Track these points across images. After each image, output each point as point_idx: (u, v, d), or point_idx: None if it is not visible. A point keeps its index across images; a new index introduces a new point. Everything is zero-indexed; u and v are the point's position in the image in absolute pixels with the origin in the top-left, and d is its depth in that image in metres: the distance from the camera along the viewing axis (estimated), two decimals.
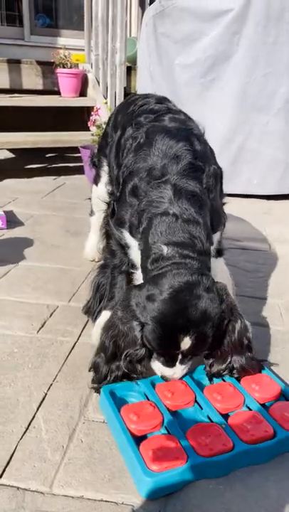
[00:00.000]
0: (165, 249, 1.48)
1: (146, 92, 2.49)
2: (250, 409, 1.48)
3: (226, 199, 2.06)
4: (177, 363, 1.49)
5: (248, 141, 4.07)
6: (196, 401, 1.50)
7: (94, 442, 1.40)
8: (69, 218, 3.47)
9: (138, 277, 1.75)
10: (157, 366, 1.54)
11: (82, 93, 5.14)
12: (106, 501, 1.22)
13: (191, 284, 1.41)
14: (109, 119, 2.45)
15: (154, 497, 1.21)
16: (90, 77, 5.07)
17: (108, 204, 1.88)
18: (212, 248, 1.75)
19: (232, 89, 3.97)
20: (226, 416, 1.44)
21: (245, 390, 1.54)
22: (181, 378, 1.57)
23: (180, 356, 1.47)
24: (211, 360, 1.59)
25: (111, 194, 1.88)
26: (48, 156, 5.57)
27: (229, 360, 1.57)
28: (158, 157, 1.65)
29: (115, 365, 1.53)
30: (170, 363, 1.50)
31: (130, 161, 1.72)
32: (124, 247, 1.78)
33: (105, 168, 2.36)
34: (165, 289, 1.40)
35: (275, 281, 2.60)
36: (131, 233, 1.71)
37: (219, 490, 1.26)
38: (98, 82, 4.97)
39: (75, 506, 1.19)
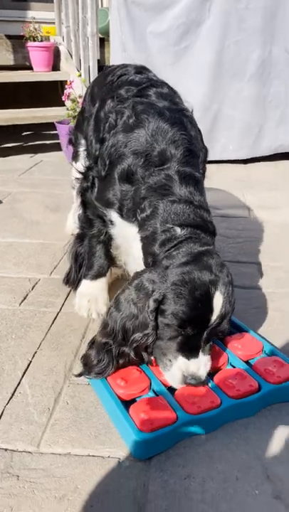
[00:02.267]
0: (178, 230, 1.44)
1: (118, 63, 2.44)
2: (234, 367, 1.52)
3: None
4: (200, 353, 1.34)
5: (223, 108, 4.07)
6: None
7: (79, 403, 1.44)
8: (48, 194, 3.44)
9: (131, 264, 1.73)
10: (180, 364, 1.34)
11: (55, 67, 5.02)
12: (93, 456, 1.26)
13: (211, 251, 1.39)
14: (85, 94, 2.40)
15: (149, 456, 1.24)
16: (62, 49, 4.95)
17: (84, 175, 1.84)
18: None
19: (205, 57, 3.94)
20: (212, 375, 1.47)
21: (228, 349, 1.58)
22: (204, 384, 1.37)
23: (205, 335, 1.32)
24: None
25: (88, 168, 1.83)
26: (24, 134, 5.48)
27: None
28: (153, 142, 1.59)
29: (121, 352, 1.40)
30: (194, 350, 1.33)
31: (120, 142, 1.65)
32: (103, 219, 1.76)
33: (83, 145, 2.32)
34: (184, 255, 1.35)
35: (254, 246, 2.64)
36: (120, 215, 1.65)
37: (201, 439, 1.31)
38: (71, 55, 4.86)
39: (62, 462, 1.23)
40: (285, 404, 1.44)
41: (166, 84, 1.92)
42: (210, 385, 1.41)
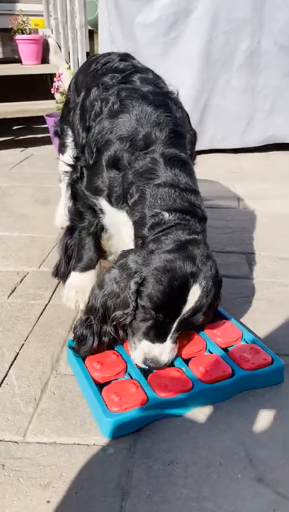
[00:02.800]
0: (166, 215, 1.44)
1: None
2: (211, 353, 1.54)
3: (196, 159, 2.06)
4: (168, 338, 1.37)
5: (212, 98, 4.07)
6: None
7: (66, 393, 1.45)
8: (38, 188, 3.44)
9: (116, 242, 1.74)
10: (143, 346, 1.39)
11: (44, 60, 4.99)
12: (78, 444, 1.27)
13: (197, 241, 1.39)
14: (70, 84, 2.39)
15: (116, 436, 1.27)
16: (51, 42, 4.92)
17: (73, 167, 1.84)
18: None
19: (194, 47, 3.93)
20: (188, 360, 1.50)
21: (207, 336, 1.59)
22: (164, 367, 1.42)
23: (175, 324, 1.35)
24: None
25: (76, 158, 1.83)
26: (15, 128, 5.45)
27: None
28: (138, 126, 1.59)
29: (103, 330, 1.43)
30: (161, 335, 1.37)
31: (106, 128, 1.65)
32: (94, 210, 1.76)
33: (70, 136, 2.32)
34: (171, 242, 1.36)
35: (243, 236, 2.65)
36: (109, 202, 1.66)
37: (186, 426, 1.33)
38: (60, 48, 4.83)
39: (48, 451, 1.25)
40: (268, 389, 1.46)
41: (151, 70, 1.92)
42: (184, 369, 1.43)
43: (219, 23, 3.85)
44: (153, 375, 1.41)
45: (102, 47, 4.11)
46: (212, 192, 3.37)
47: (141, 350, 1.39)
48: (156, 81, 1.82)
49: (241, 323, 1.76)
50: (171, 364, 1.46)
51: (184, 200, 1.47)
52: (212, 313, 1.51)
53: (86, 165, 1.73)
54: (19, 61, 4.94)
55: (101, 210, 1.71)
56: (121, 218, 1.61)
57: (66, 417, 1.36)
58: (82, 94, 1.94)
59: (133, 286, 1.35)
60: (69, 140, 2.34)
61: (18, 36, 4.76)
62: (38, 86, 5.18)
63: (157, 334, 1.37)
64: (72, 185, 1.84)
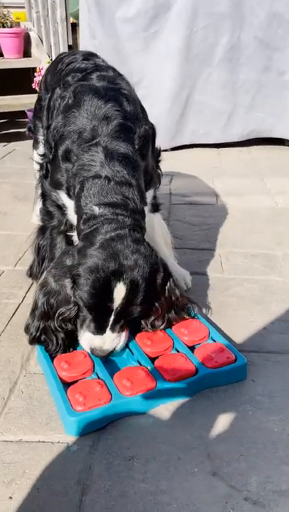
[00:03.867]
0: (96, 210, 1.49)
1: (87, 50, 2.44)
2: (178, 351, 1.58)
3: (165, 155, 2.08)
4: (108, 330, 1.45)
5: (193, 94, 4.10)
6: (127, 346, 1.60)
7: (34, 392, 1.49)
8: (18, 184, 3.44)
9: (75, 239, 1.79)
10: (86, 337, 1.49)
11: (26, 53, 4.96)
12: (43, 442, 1.31)
13: (123, 236, 1.42)
14: (40, 82, 2.41)
15: (80, 434, 1.32)
16: (33, 35, 4.89)
17: (41, 165, 1.88)
18: (148, 204, 1.79)
19: (175, 42, 3.94)
20: (154, 359, 1.54)
21: (174, 334, 1.64)
22: (109, 354, 1.50)
23: (112, 317, 1.43)
24: (150, 319, 1.61)
25: (43, 156, 1.87)
26: None
27: (165, 316, 1.62)
28: (87, 119, 1.63)
29: (52, 327, 1.50)
30: (101, 328, 1.45)
31: (60, 123, 1.70)
32: (61, 208, 1.80)
33: (42, 133, 2.34)
34: (96, 240, 1.41)
35: (218, 233, 2.69)
36: (68, 195, 1.71)
37: (149, 422, 1.38)
38: (42, 41, 4.80)
39: (13, 449, 1.29)
40: (231, 386, 1.51)
41: (113, 68, 1.95)
42: (149, 368, 1.48)
43: (199, 18, 3.86)
44: (118, 375, 1.45)
45: (83, 42, 4.10)
46: (191, 188, 3.40)
47: (85, 340, 1.50)
48: (114, 77, 1.84)
49: (209, 321, 1.81)
50: (139, 363, 1.52)
51: (117, 193, 1.50)
52: (153, 302, 1.54)
53: (48, 161, 1.77)
54: (0, 55, 4.90)
55: (63, 204, 1.75)
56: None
57: (33, 416, 1.40)
58: (49, 95, 1.98)
59: (68, 285, 1.44)
60: (41, 137, 2.37)
61: None
62: (21, 80, 5.15)
63: (96, 327, 1.46)
64: (41, 183, 1.89)
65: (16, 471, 1.22)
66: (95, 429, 1.33)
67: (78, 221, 1.57)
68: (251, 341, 1.74)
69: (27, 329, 1.58)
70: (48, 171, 1.83)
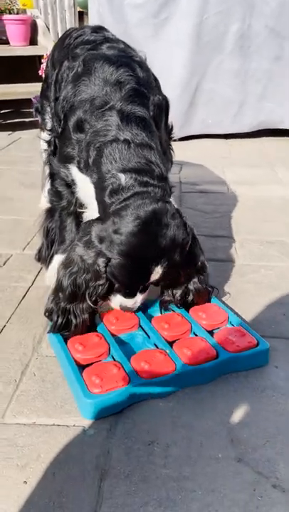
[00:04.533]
0: (123, 178, 1.40)
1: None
2: (196, 336, 1.52)
3: (174, 145, 2.00)
4: (138, 294, 1.46)
5: (203, 82, 4.02)
6: (143, 330, 1.54)
7: (47, 375, 1.43)
8: (24, 171, 3.38)
9: (90, 215, 1.70)
10: (117, 299, 1.49)
11: (33, 41, 4.88)
12: (58, 425, 1.25)
13: (158, 213, 1.35)
14: (47, 60, 2.33)
15: (97, 417, 1.25)
16: (40, 23, 4.81)
17: (49, 142, 1.80)
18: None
19: (185, 29, 3.86)
20: (173, 342, 1.48)
21: (192, 318, 1.57)
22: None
23: (142, 288, 1.44)
24: (169, 288, 1.58)
25: (50, 130, 1.79)
26: (2, 111, 5.34)
27: (185, 284, 1.58)
28: (98, 86, 1.56)
29: (79, 309, 1.46)
30: (132, 294, 1.46)
31: (69, 93, 1.62)
32: (70, 186, 1.73)
33: (49, 111, 2.27)
34: (132, 220, 1.33)
35: (231, 220, 2.63)
36: (79, 168, 1.62)
37: (168, 406, 1.31)
38: (48, 29, 4.73)
39: (26, 432, 1.22)
40: (252, 371, 1.45)
41: (123, 41, 1.87)
42: (168, 351, 1.42)
43: (210, 4, 3.79)
44: (136, 357, 1.38)
45: None
46: (201, 177, 3.33)
47: (116, 300, 1.50)
48: (125, 48, 1.77)
49: (227, 306, 1.75)
50: (156, 346, 1.46)
51: (139, 156, 1.43)
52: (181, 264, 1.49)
53: (57, 135, 1.70)
54: (7, 42, 4.83)
55: (73, 181, 1.67)
56: (90, 187, 1.57)
57: (46, 398, 1.33)
58: (56, 69, 1.90)
59: (102, 264, 1.38)
60: (48, 116, 2.29)
61: (5, 16, 4.64)
62: (27, 68, 5.07)
63: (128, 294, 1.46)
64: (49, 161, 1.81)
65: (30, 454, 1.16)
66: (113, 413, 1.27)
67: (101, 192, 1.48)
68: (271, 327, 1.67)
69: (50, 315, 1.50)
70: (57, 147, 1.75)
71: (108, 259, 1.37)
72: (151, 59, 4.18)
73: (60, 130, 1.68)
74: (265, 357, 1.47)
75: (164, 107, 1.74)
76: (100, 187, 1.48)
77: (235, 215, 2.69)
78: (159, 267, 1.36)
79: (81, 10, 4.96)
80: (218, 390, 1.38)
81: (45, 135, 2.14)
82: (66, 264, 1.47)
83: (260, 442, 1.21)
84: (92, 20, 4.18)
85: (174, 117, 4.01)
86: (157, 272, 1.37)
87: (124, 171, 1.41)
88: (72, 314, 1.47)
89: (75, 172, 1.66)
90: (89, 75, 1.60)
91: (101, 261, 1.38)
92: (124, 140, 1.44)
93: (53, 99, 1.85)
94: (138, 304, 1.50)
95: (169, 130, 1.90)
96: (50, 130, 1.81)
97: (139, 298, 1.48)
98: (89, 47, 1.73)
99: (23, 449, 1.17)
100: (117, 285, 1.46)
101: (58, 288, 1.48)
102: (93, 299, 1.45)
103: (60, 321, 1.46)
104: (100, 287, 1.43)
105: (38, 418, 1.27)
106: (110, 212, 1.41)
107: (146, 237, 1.34)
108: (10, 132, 4.53)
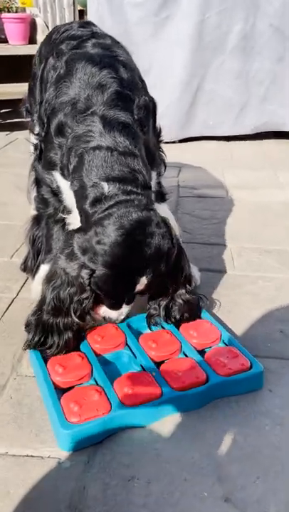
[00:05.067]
0: (106, 187, 1.34)
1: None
2: (186, 356, 1.42)
3: (173, 147, 1.91)
4: (124, 305, 1.40)
5: (204, 83, 3.91)
6: (130, 349, 1.44)
7: (24, 397, 1.33)
8: (20, 174, 3.26)
9: (73, 221, 1.62)
10: (102, 310, 1.43)
11: (32, 40, 4.79)
12: (31, 456, 1.16)
13: (142, 222, 1.30)
14: (34, 57, 2.24)
15: (75, 449, 1.16)
16: (39, 21, 4.72)
17: (35, 146, 1.71)
18: (153, 189, 1.64)
19: (186, 29, 3.75)
20: (160, 364, 1.39)
21: (182, 336, 1.47)
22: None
23: (127, 299, 1.39)
24: (157, 299, 1.52)
25: (37, 134, 1.71)
26: (1, 111, 5.27)
27: (171, 296, 1.51)
28: (80, 88, 1.48)
29: (62, 324, 1.38)
30: (118, 306, 1.40)
31: (51, 95, 1.55)
32: (56, 193, 1.65)
33: (36, 110, 2.17)
34: (115, 230, 1.27)
35: (229, 227, 2.53)
36: (63, 175, 1.54)
37: (152, 436, 1.22)
38: (48, 27, 4.63)
39: None
40: (243, 396, 1.35)
41: (110, 36, 1.78)
42: (154, 374, 1.32)
43: (212, 3, 3.68)
44: (119, 381, 1.29)
45: None
46: (200, 181, 3.23)
47: (101, 312, 1.43)
48: (111, 46, 1.68)
49: (220, 322, 1.65)
50: (142, 368, 1.38)
51: (122, 165, 1.36)
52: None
53: (41, 139, 1.62)
54: (5, 41, 4.74)
55: (58, 187, 1.59)
56: (72, 194, 1.49)
57: (21, 425, 1.24)
58: (42, 66, 1.81)
59: (85, 276, 1.30)
60: (36, 115, 2.20)
61: (4, 15, 4.55)
62: (26, 67, 4.98)
63: (114, 305, 1.40)
64: (34, 167, 1.73)
65: None
66: (92, 444, 1.17)
67: (82, 200, 1.41)
68: (268, 346, 1.57)
69: (28, 329, 1.43)
70: (42, 151, 1.67)
71: (92, 271, 1.30)
72: (151, 59, 4.11)
73: (43, 134, 1.61)
74: (259, 381, 1.37)
75: (150, 108, 1.65)
76: (81, 195, 1.40)
77: (233, 222, 2.59)
78: (144, 277, 1.31)
79: (81, 8, 4.87)
80: (207, 416, 1.28)
81: (33, 138, 2.05)
82: (49, 278, 1.40)
83: (250, 479, 1.11)
84: (91, 18, 4.09)
85: (173, 118, 3.96)
86: (143, 283, 1.32)
87: (107, 179, 1.34)
88: (55, 331, 1.39)
89: (59, 179, 1.58)
90: (70, 76, 1.52)
91: (85, 273, 1.31)
92: (106, 147, 1.37)
93: (38, 101, 1.76)
94: (123, 316, 1.44)
95: (157, 132, 1.81)
96: (37, 134, 1.72)
97: (125, 309, 1.42)
98: (74, 44, 1.64)
99: None
100: (102, 297, 1.39)
101: (42, 302, 1.41)
102: (78, 313, 1.37)
103: (37, 338, 1.39)
104: (85, 301, 1.35)
105: (11, 448, 1.18)
106: (92, 221, 1.33)
107: (130, 247, 1.28)
108: (8, 132, 4.45)
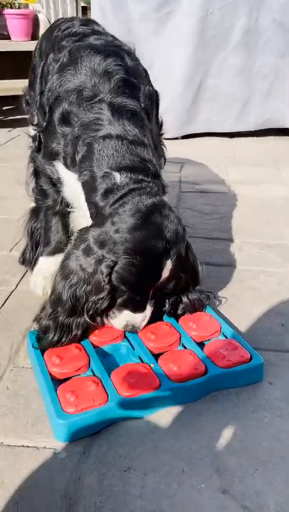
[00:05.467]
0: (118, 177, 1.32)
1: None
2: (185, 348, 1.40)
3: (176, 143, 1.89)
4: (148, 306, 1.36)
5: (207, 79, 3.89)
6: (128, 341, 1.42)
7: (20, 388, 1.32)
8: (20, 169, 3.23)
9: (80, 215, 1.57)
10: (124, 316, 1.37)
11: (35, 36, 4.78)
12: (27, 446, 1.14)
13: (158, 205, 1.29)
14: (35, 50, 2.22)
15: (71, 440, 1.14)
16: (42, 18, 4.70)
17: (34, 137, 1.70)
18: None
19: (189, 24, 3.73)
20: (159, 355, 1.36)
21: (182, 328, 1.46)
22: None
23: (151, 295, 1.34)
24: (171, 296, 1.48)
25: (36, 125, 1.69)
26: (4, 108, 5.26)
27: (181, 290, 1.47)
28: (86, 75, 1.46)
29: (75, 323, 1.34)
30: (142, 306, 1.35)
31: (55, 83, 1.52)
32: (56, 184, 1.63)
33: (36, 105, 2.16)
34: (132, 216, 1.25)
35: (231, 222, 2.50)
36: (66, 165, 1.52)
37: (150, 428, 1.20)
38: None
39: None
40: (243, 388, 1.33)
41: (111, 35, 1.77)
42: (152, 366, 1.30)
43: None
44: (117, 372, 1.27)
45: None
46: (202, 176, 3.21)
47: (123, 318, 1.37)
48: (113, 40, 1.68)
49: (221, 315, 1.63)
50: (140, 360, 1.35)
51: (133, 154, 1.36)
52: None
53: (41, 129, 1.59)
54: (8, 37, 4.73)
55: (59, 179, 1.57)
56: (78, 185, 1.46)
57: (17, 416, 1.22)
58: (43, 61, 1.79)
59: (105, 271, 1.25)
60: (35, 110, 2.18)
61: (6, 11, 4.55)
62: (28, 64, 4.97)
63: (138, 306, 1.35)
64: (33, 158, 1.71)
65: None
66: (88, 435, 1.16)
67: (92, 194, 1.37)
68: (268, 339, 1.55)
69: (45, 331, 1.36)
70: (41, 142, 1.64)
71: (113, 264, 1.25)
72: (154, 55, 4.09)
73: (44, 124, 1.58)
74: (259, 373, 1.35)
75: (154, 98, 1.65)
76: (91, 186, 1.37)
77: (235, 217, 2.57)
78: (169, 260, 1.28)
79: (84, 5, 4.86)
80: (206, 409, 1.26)
81: (32, 130, 2.03)
82: (65, 275, 1.33)
83: (248, 471, 1.09)
84: (94, 14, 4.08)
85: (176, 114, 3.94)
86: (168, 267, 1.29)
87: (118, 169, 1.33)
88: (68, 330, 1.35)
89: (61, 169, 1.56)
90: (75, 64, 1.50)
91: (104, 266, 1.25)
92: (116, 136, 1.35)
93: (38, 92, 1.75)
94: (147, 320, 1.39)
95: (160, 124, 1.79)
96: (36, 125, 1.70)
97: (149, 311, 1.38)
98: (75, 39, 1.63)
99: None
100: (122, 298, 1.33)
101: (56, 301, 1.34)
102: (90, 312, 1.32)
103: (56, 338, 1.34)
104: (100, 301, 1.30)
105: (6, 438, 1.16)
106: (107, 213, 1.30)
107: (152, 230, 1.26)
108: (10, 129, 4.44)
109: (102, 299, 1.29)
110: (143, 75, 1.62)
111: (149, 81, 1.68)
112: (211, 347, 1.38)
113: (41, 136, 1.62)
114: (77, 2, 4.36)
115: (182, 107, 3.92)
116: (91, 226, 1.35)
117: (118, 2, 3.78)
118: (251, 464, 1.10)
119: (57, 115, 1.50)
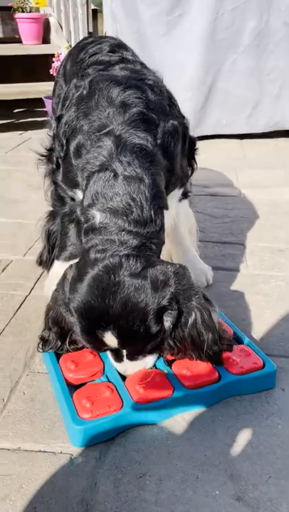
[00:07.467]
0: (98, 217, 1.22)
1: (108, 34, 2.22)
2: None
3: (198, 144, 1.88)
4: (125, 360, 1.26)
5: (217, 81, 3.89)
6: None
7: (37, 393, 1.34)
8: (32, 173, 3.27)
9: None
10: (110, 359, 1.33)
11: (46, 40, 4.83)
12: (44, 452, 1.16)
13: (112, 269, 1.14)
14: (60, 66, 2.22)
15: (86, 445, 1.16)
16: (52, 21, 4.75)
17: (48, 157, 1.70)
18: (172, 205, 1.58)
19: (200, 27, 3.74)
20: (172, 362, 1.38)
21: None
22: None
23: (124, 353, 1.24)
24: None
25: (50, 150, 1.69)
26: (16, 111, 5.31)
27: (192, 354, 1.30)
28: (102, 107, 1.38)
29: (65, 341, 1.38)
30: (118, 357, 1.27)
31: (72, 116, 1.48)
32: (75, 199, 1.65)
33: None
34: (85, 273, 1.17)
35: (242, 225, 2.51)
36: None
37: (164, 434, 1.22)
38: (61, 27, 4.66)
39: (10, 459, 1.14)
40: (256, 395, 1.34)
41: (141, 62, 1.71)
42: (166, 372, 1.31)
43: (225, 1, 3.66)
44: (131, 378, 1.29)
45: (106, 26, 3.93)
46: (213, 179, 3.21)
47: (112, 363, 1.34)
48: (140, 70, 1.59)
49: (232, 321, 1.64)
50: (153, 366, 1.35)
51: (120, 193, 1.22)
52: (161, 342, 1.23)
53: (60, 156, 1.59)
54: (19, 41, 4.78)
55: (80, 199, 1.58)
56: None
57: (33, 420, 1.25)
58: (66, 86, 1.77)
59: (66, 315, 1.26)
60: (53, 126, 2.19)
61: (18, 15, 4.60)
62: (39, 67, 5.02)
63: (113, 355, 1.28)
64: (51, 175, 1.73)
65: (11, 484, 1.08)
66: (102, 441, 1.18)
67: (79, 228, 1.40)
68: (280, 345, 1.56)
69: (44, 342, 1.42)
70: (59, 166, 1.61)
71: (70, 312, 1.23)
72: (164, 57, 4.10)
73: (62, 155, 1.56)
74: (272, 380, 1.36)
75: (179, 132, 1.53)
76: (79, 221, 1.38)
77: (246, 220, 2.58)
78: (109, 333, 1.15)
79: (95, 8, 4.89)
80: (219, 415, 1.28)
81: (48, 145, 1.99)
82: (48, 307, 1.40)
83: (262, 478, 1.10)
84: (106, 18, 4.10)
85: (186, 117, 3.90)
86: (111, 339, 1.17)
87: (100, 210, 1.23)
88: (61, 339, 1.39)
89: (81, 196, 1.54)
90: (92, 95, 1.43)
91: (65, 312, 1.26)
92: (111, 169, 1.26)
93: (57, 116, 1.73)
94: (130, 372, 1.30)
95: (190, 147, 1.76)
96: (49, 150, 1.70)
97: (130, 365, 1.28)
98: (100, 68, 1.58)
99: (4, 479, 1.09)
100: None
101: (47, 326, 1.41)
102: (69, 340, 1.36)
103: (52, 350, 1.39)
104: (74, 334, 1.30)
105: (24, 443, 1.18)
106: (81, 252, 1.28)
107: (93, 298, 1.14)
108: (21, 132, 4.48)
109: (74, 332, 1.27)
110: (166, 110, 1.50)
111: (178, 112, 1.61)
112: (224, 354, 1.39)
113: (60, 162, 1.59)
114: (88, 5, 4.39)
115: (192, 110, 3.92)
116: (74, 264, 1.29)
117: (129, 5, 3.79)
118: (265, 471, 1.12)
119: (72, 148, 1.46)
